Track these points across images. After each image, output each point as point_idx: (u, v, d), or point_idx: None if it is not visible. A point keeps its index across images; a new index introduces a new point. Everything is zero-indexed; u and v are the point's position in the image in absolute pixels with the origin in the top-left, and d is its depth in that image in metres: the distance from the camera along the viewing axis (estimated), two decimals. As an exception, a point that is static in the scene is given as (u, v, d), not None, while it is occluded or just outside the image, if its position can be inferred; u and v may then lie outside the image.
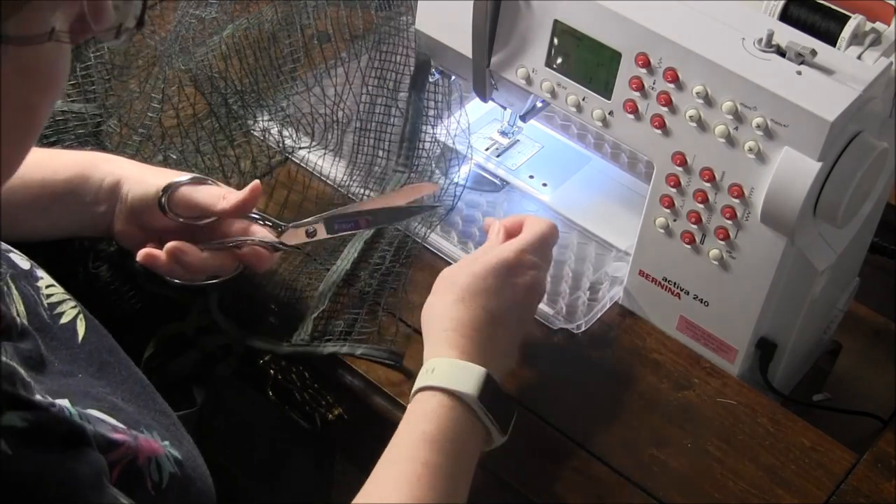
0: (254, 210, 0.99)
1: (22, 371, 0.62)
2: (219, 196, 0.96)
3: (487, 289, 0.92)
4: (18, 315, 0.71)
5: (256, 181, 0.97)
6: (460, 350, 0.89)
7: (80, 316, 0.78)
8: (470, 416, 0.86)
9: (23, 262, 0.78)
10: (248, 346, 1.04)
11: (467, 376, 0.87)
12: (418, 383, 0.88)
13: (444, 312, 0.92)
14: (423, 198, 1.07)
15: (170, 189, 0.95)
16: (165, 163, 1.10)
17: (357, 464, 1.17)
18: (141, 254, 0.94)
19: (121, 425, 0.68)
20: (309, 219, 1.01)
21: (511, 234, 0.99)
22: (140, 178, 0.97)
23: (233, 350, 1.06)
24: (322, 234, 1.01)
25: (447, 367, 0.88)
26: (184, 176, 0.97)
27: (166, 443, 0.72)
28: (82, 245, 1.05)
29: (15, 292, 0.72)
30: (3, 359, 0.61)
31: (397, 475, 0.82)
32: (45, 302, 0.76)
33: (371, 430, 1.05)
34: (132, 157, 1.08)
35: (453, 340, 0.89)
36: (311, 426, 1.09)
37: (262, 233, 0.98)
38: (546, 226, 0.99)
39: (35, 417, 0.60)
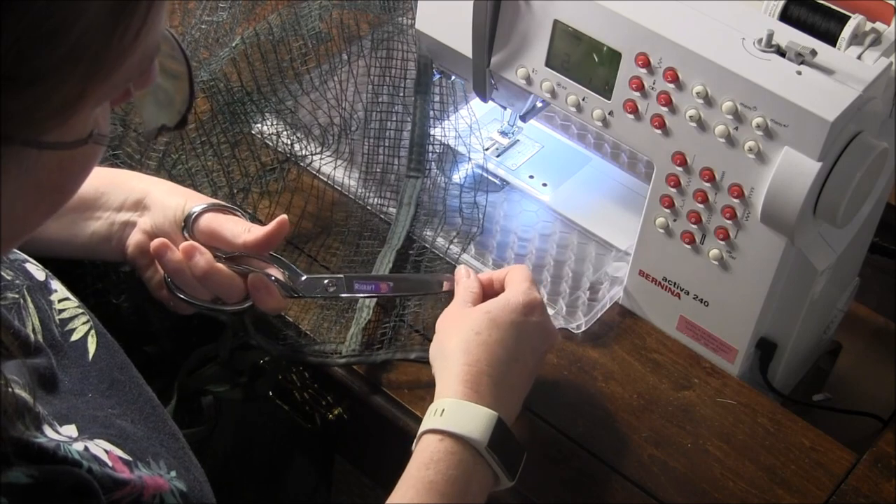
0: (276, 254, 0.97)
1: (30, 399, 0.61)
2: (243, 229, 0.94)
3: (505, 324, 0.90)
4: (34, 330, 0.70)
5: (284, 216, 0.94)
6: (473, 386, 0.86)
7: (92, 331, 0.77)
8: (478, 461, 0.84)
9: (38, 272, 0.77)
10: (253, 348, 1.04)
11: (477, 420, 0.84)
12: (424, 424, 0.85)
13: (458, 346, 0.89)
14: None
15: (192, 217, 0.93)
16: (187, 173, 1.10)
17: (357, 464, 1.17)
18: (156, 242, 0.91)
19: (127, 457, 0.67)
20: (328, 275, 0.99)
21: (488, 286, 0.96)
22: (165, 199, 0.95)
23: (267, 369, 1.05)
24: (341, 291, 0.98)
25: (456, 408, 0.85)
26: (204, 202, 0.94)
27: (173, 473, 0.70)
28: (96, 277, 1.04)
29: (31, 305, 0.72)
30: (14, 390, 0.59)
31: None
32: (57, 318, 0.75)
33: (371, 430, 1.06)
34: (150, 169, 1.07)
35: (467, 375, 0.86)
36: (311, 426, 1.09)
37: (278, 276, 0.96)
38: (528, 273, 0.96)
39: (41, 473, 0.58)
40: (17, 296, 0.70)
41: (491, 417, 0.84)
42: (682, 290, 1.03)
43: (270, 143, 1.17)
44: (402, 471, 0.83)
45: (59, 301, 0.77)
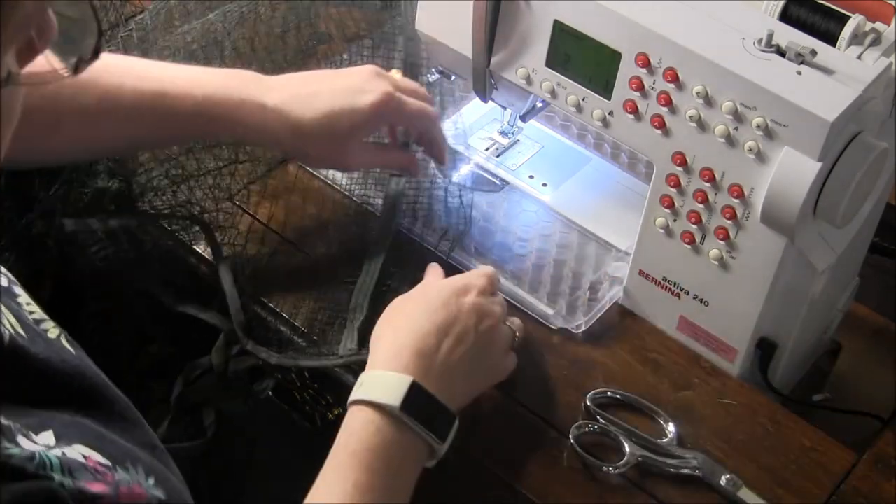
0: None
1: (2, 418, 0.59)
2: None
3: (433, 299, 0.93)
4: (11, 326, 0.69)
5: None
6: (393, 357, 0.88)
7: (63, 335, 0.76)
8: (399, 427, 0.85)
9: (1, 278, 0.76)
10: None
11: (391, 386, 0.86)
12: (350, 399, 0.88)
13: (386, 323, 0.94)
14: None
15: None
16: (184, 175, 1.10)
17: (357, 464, 1.17)
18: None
19: (106, 461, 0.65)
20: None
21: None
22: None
23: (266, 370, 1.05)
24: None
25: (372, 379, 0.87)
26: None
27: (151, 480, 0.68)
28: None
29: (3, 307, 0.71)
30: None
31: (329, 498, 0.81)
32: (30, 318, 0.74)
33: (371, 430, 1.05)
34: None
35: (390, 347, 0.90)
36: (311, 426, 1.09)
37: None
38: (489, 271, 1.00)
39: (11, 496, 0.57)
40: None
41: (403, 381, 0.86)
42: (682, 290, 1.03)
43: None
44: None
45: (27, 304, 0.75)
